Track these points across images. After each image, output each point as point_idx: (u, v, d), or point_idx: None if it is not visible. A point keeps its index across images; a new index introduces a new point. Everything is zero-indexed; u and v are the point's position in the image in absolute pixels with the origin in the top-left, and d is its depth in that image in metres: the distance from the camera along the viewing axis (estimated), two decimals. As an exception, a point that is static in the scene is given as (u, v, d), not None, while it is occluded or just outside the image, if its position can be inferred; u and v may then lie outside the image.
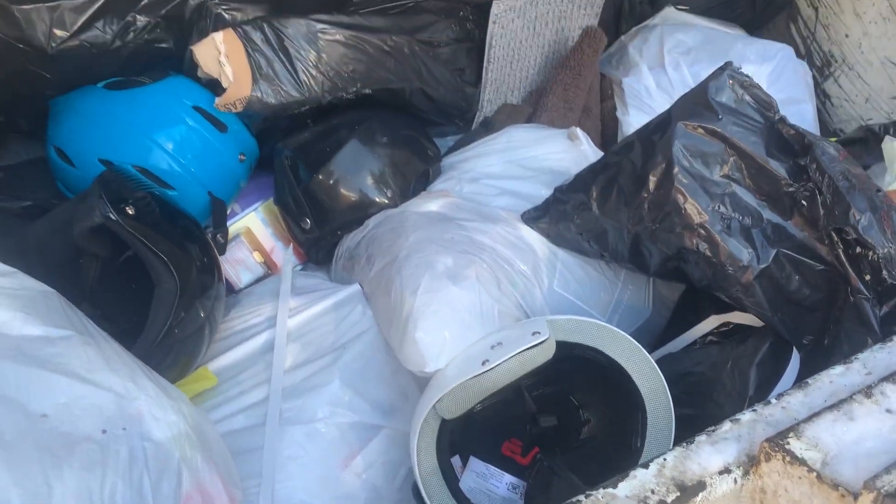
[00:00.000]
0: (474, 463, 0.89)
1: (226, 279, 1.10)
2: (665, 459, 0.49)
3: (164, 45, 1.15)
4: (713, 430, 0.52)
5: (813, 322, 0.81)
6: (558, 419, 0.93)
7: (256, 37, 1.12)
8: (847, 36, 1.51)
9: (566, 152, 1.17)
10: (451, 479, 0.83)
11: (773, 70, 1.41)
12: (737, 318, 0.91)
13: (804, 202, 0.81)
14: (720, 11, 1.56)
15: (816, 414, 0.50)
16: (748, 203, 0.82)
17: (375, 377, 0.94)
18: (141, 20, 1.11)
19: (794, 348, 0.81)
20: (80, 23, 1.08)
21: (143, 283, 0.88)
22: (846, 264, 0.77)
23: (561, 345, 0.81)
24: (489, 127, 1.36)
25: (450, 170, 1.21)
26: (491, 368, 0.79)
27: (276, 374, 0.92)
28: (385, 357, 0.96)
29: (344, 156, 1.14)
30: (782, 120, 0.86)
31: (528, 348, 0.79)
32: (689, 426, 0.78)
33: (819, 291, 0.80)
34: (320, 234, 1.17)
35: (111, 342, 0.71)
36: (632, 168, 0.89)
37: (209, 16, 1.14)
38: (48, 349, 0.64)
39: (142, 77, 1.12)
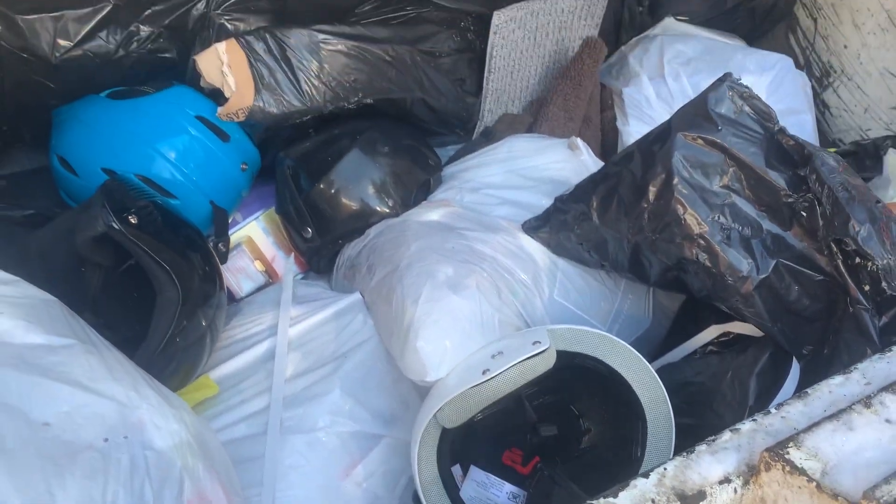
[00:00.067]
0: (475, 472, 0.89)
1: (227, 288, 1.10)
2: (665, 469, 0.49)
3: (167, 55, 1.16)
4: (713, 440, 0.52)
5: (812, 332, 0.81)
6: (559, 428, 0.93)
7: (259, 47, 1.12)
8: (846, 47, 1.51)
9: (566, 162, 1.17)
10: (451, 489, 0.83)
11: (772, 80, 1.42)
12: (737, 327, 0.92)
13: (803, 213, 0.81)
14: (720, 22, 1.57)
15: (816, 424, 0.50)
16: (748, 213, 0.83)
17: (376, 386, 0.94)
18: (144, 30, 1.12)
19: (794, 358, 0.81)
20: (83, 33, 1.09)
21: (145, 291, 0.88)
22: (845, 275, 0.77)
23: (561, 354, 0.82)
24: (490, 137, 1.37)
25: (450, 179, 1.22)
26: (492, 377, 0.79)
27: (277, 383, 0.92)
28: (386, 366, 0.96)
29: (345, 165, 1.15)
30: (782, 131, 0.86)
31: (528, 357, 0.79)
32: (689, 436, 0.78)
33: (818, 302, 0.80)
34: (321, 243, 1.17)
35: (113, 351, 0.71)
36: (632, 178, 0.89)
37: (212, 26, 1.15)
38: (50, 358, 0.64)
39: (145, 87, 1.12)
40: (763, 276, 0.81)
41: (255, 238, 1.23)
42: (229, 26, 1.16)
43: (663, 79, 1.39)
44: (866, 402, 0.52)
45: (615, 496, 0.47)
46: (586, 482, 0.84)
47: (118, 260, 0.96)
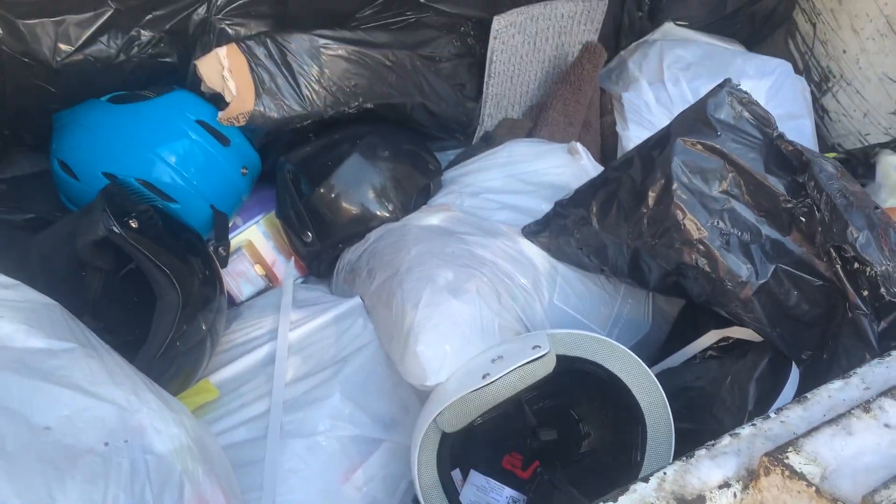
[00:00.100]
0: (475, 476, 0.89)
1: (227, 292, 1.10)
2: (665, 473, 0.49)
3: (167, 60, 1.16)
4: (713, 445, 0.52)
5: (811, 337, 0.81)
6: (558, 433, 0.93)
7: (260, 52, 1.13)
8: (845, 52, 1.52)
9: (566, 167, 1.17)
10: (451, 493, 0.83)
11: (771, 85, 1.42)
12: (736, 332, 0.92)
13: (802, 218, 0.81)
14: (719, 27, 1.58)
15: (815, 428, 0.50)
16: (747, 219, 0.83)
17: (376, 390, 0.95)
18: (145, 35, 1.13)
19: (793, 363, 0.82)
20: (84, 37, 1.09)
21: (146, 295, 0.88)
22: (844, 280, 0.78)
23: (561, 359, 0.82)
24: (490, 141, 1.37)
25: (451, 184, 1.22)
26: (491, 382, 0.79)
27: (277, 387, 0.92)
28: (386, 370, 0.96)
29: (345, 170, 1.15)
30: (781, 136, 0.86)
31: (528, 362, 0.79)
32: (689, 440, 0.78)
33: (817, 307, 0.80)
34: (322, 247, 1.18)
35: (114, 355, 0.71)
36: (631, 184, 0.89)
37: (213, 31, 1.15)
38: (51, 361, 0.65)
39: (145, 91, 1.13)
40: (762, 281, 0.82)
41: (255, 242, 1.23)
42: (230, 31, 1.16)
43: (663, 84, 1.40)
44: (865, 406, 0.52)
45: (615, 500, 0.47)
46: (586, 486, 0.84)
47: (118, 264, 0.96)
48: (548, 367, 0.80)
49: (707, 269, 0.83)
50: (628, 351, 0.82)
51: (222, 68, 1.11)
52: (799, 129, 1.43)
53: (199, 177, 1.10)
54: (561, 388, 0.89)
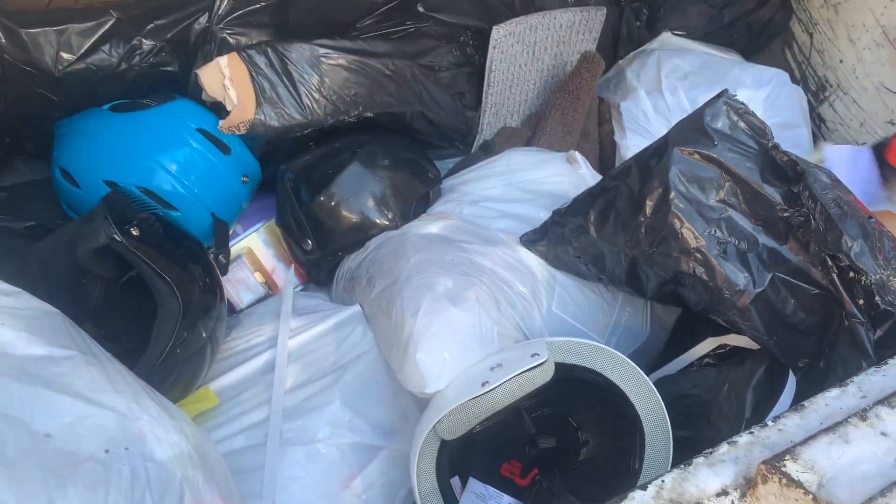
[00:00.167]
0: (473, 484, 0.89)
1: (227, 299, 1.10)
2: (663, 481, 0.49)
3: (169, 69, 1.17)
4: (710, 453, 0.52)
5: (808, 345, 0.82)
6: (557, 440, 0.93)
7: (260, 61, 1.13)
8: (841, 61, 1.53)
9: (565, 175, 1.18)
10: (450, 500, 0.83)
11: (768, 95, 1.43)
12: (733, 339, 0.92)
13: (799, 227, 0.82)
14: (717, 37, 1.59)
15: (812, 437, 0.51)
16: (744, 228, 0.83)
17: (376, 398, 0.95)
18: (147, 44, 1.14)
19: (790, 371, 0.82)
20: (86, 46, 1.10)
21: (147, 303, 0.88)
22: (840, 289, 0.78)
23: (560, 366, 0.82)
24: (489, 150, 1.37)
25: (450, 192, 1.22)
26: (490, 390, 0.79)
27: (276, 395, 0.92)
28: (385, 378, 0.96)
29: (345, 178, 1.16)
30: (776, 147, 0.87)
31: (527, 370, 0.79)
32: (686, 448, 0.79)
33: (814, 315, 0.81)
34: (321, 255, 1.18)
35: (114, 362, 0.72)
36: (629, 192, 0.90)
37: (214, 40, 1.16)
38: (52, 369, 0.65)
39: (147, 100, 1.13)
40: (759, 289, 0.82)
41: (255, 250, 1.23)
42: (231, 40, 1.17)
43: (661, 93, 1.40)
44: (862, 415, 0.52)
45: (613, 508, 0.47)
46: (584, 494, 0.84)
47: (119, 271, 0.96)
48: (546, 374, 0.81)
49: (704, 277, 0.84)
50: (626, 359, 0.83)
51: (223, 77, 1.12)
52: (796, 138, 1.44)
53: (199, 185, 1.10)
54: (559, 395, 0.89)
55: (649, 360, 1.03)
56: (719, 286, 0.83)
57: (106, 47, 1.11)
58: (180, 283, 0.87)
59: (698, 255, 0.84)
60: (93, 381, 0.66)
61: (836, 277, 0.78)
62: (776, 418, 0.55)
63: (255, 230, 1.24)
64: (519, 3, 1.37)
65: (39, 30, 1.07)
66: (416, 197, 1.19)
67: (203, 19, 1.16)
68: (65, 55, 1.09)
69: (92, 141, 1.09)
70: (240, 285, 1.20)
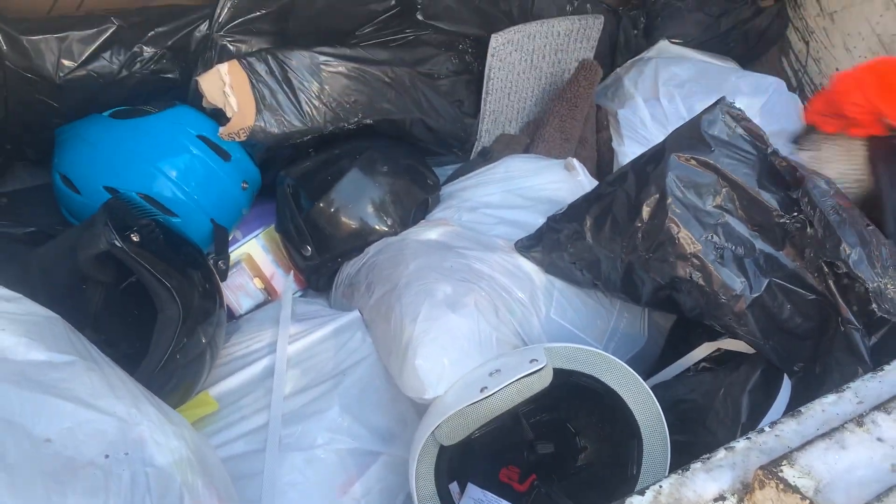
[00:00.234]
0: (472, 489, 0.89)
1: (226, 305, 1.11)
2: (661, 487, 0.50)
3: (169, 76, 1.17)
4: (708, 458, 0.52)
5: (804, 350, 0.82)
6: (555, 446, 0.93)
7: (261, 68, 1.14)
8: (838, 69, 1.54)
9: (563, 182, 1.18)
10: (449, 506, 0.83)
11: (765, 102, 1.44)
12: (728, 344, 0.92)
13: (795, 233, 0.82)
14: (714, 45, 1.60)
15: (809, 442, 0.51)
16: (741, 233, 0.84)
17: (374, 403, 0.95)
18: (147, 51, 1.14)
19: (786, 376, 0.82)
20: (87, 53, 1.11)
21: (147, 308, 0.89)
22: (836, 295, 0.78)
23: (558, 372, 0.82)
24: (487, 157, 1.38)
25: (449, 199, 1.23)
26: (489, 395, 0.79)
27: (276, 400, 0.92)
28: (384, 383, 0.96)
29: (345, 184, 1.16)
30: (775, 153, 0.88)
31: (525, 375, 0.80)
32: (683, 453, 0.79)
33: (810, 320, 0.81)
34: (321, 261, 1.18)
35: (114, 367, 0.72)
36: (626, 198, 0.90)
37: (214, 47, 1.17)
38: (52, 374, 0.65)
39: (147, 106, 1.14)
40: (756, 294, 0.82)
41: (254, 256, 1.23)
42: (231, 48, 1.18)
43: (658, 101, 1.41)
44: (858, 420, 0.53)
45: (611, 513, 0.47)
46: (582, 500, 0.84)
47: (119, 277, 0.96)
48: (545, 380, 0.81)
49: (701, 282, 0.84)
50: (624, 365, 0.83)
51: (223, 84, 1.12)
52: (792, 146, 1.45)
53: (199, 191, 1.11)
54: (558, 401, 0.90)
55: (647, 366, 1.04)
56: (716, 291, 0.83)
57: (107, 54, 1.12)
58: (180, 288, 0.88)
59: (695, 261, 0.84)
60: (93, 386, 0.66)
61: (831, 283, 0.79)
62: (773, 424, 0.55)
63: (255, 236, 1.24)
64: (517, 12, 1.38)
65: (40, 37, 1.07)
66: (416, 203, 1.20)
67: (203, 27, 1.17)
68: (66, 62, 1.10)
69: (93, 147, 1.10)
70: (239, 291, 1.20)
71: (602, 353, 0.84)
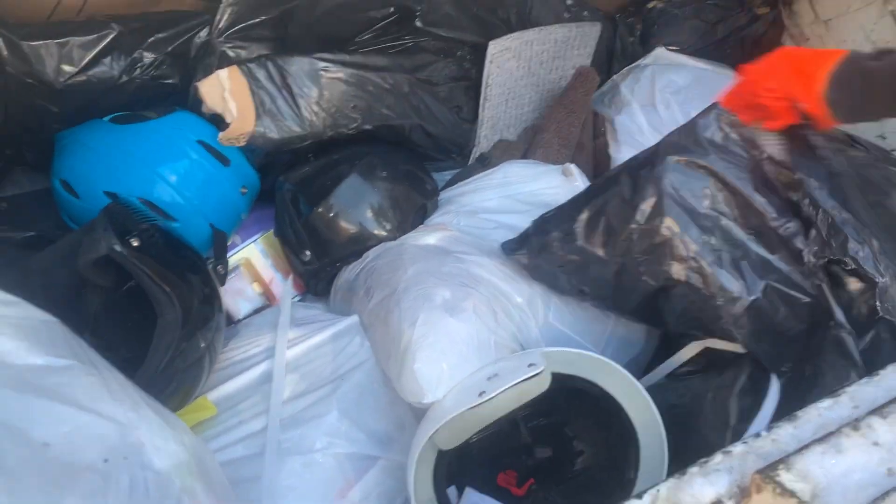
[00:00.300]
0: (470, 494, 0.89)
1: (225, 310, 1.11)
2: (658, 490, 0.50)
3: (169, 81, 1.18)
4: (705, 462, 0.52)
5: (793, 351, 0.82)
6: (553, 450, 0.93)
7: (260, 74, 1.15)
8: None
9: (561, 187, 1.19)
10: (447, 510, 0.83)
11: (762, 109, 1.45)
12: (716, 343, 0.92)
13: (789, 237, 0.82)
14: (710, 52, 1.61)
15: (806, 446, 0.51)
16: (736, 236, 0.84)
17: (373, 408, 0.95)
18: (148, 57, 1.15)
19: (775, 378, 0.82)
20: (88, 59, 1.11)
21: (146, 313, 0.89)
22: (829, 298, 0.79)
23: (556, 376, 0.82)
24: (485, 162, 1.39)
25: (447, 204, 1.23)
26: (487, 400, 0.80)
27: (274, 405, 0.93)
28: (383, 388, 0.96)
29: (344, 190, 1.17)
30: (770, 158, 0.88)
31: (524, 380, 0.80)
32: (676, 457, 0.80)
33: (802, 322, 0.81)
34: (320, 265, 1.19)
35: (113, 372, 0.72)
36: (621, 200, 0.90)
37: (214, 53, 1.17)
38: (51, 378, 0.65)
39: (147, 112, 1.14)
40: (753, 297, 0.82)
41: (253, 260, 1.24)
42: (231, 54, 1.18)
43: (654, 107, 1.42)
44: (854, 425, 0.53)
45: (609, 516, 0.48)
46: (580, 504, 0.84)
47: (119, 282, 0.97)
48: (543, 384, 0.81)
49: (699, 285, 0.84)
50: (622, 369, 0.83)
51: (223, 90, 1.13)
52: (789, 152, 1.45)
53: (199, 196, 1.11)
54: (555, 406, 0.90)
55: (644, 370, 1.04)
56: (713, 294, 0.83)
57: (107, 60, 1.12)
58: (179, 293, 0.88)
59: (693, 263, 0.84)
60: (92, 390, 0.66)
61: (825, 287, 0.79)
62: (770, 428, 0.55)
63: (254, 241, 1.24)
64: (515, 19, 1.39)
65: (41, 42, 1.08)
66: (414, 208, 1.20)
67: (203, 33, 1.17)
68: (66, 67, 1.10)
69: (93, 152, 1.10)
70: (238, 296, 1.21)
71: (599, 358, 0.85)
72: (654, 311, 0.90)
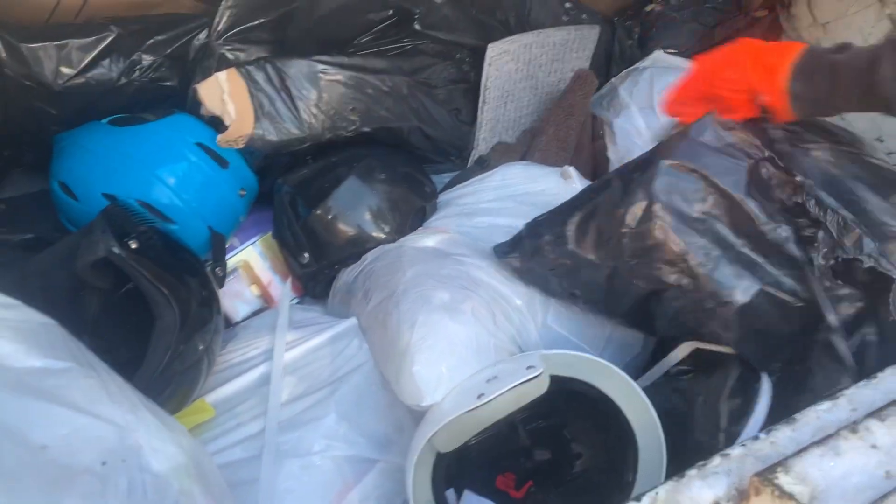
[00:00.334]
0: (469, 496, 0.89)
1: (223, 312, 1.11)
2: (657, 493, 0.50)
3: (168, 84, 1.18)
4: (703, 465, 0.52)
5: (782, 352, 0.82)
6: (552, 453, 0.93)
7: (259, 76, 1.15)
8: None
9: (559, 190, 1.19)
10: (445, 513, 0.83)
11: (759, 112, 1.45)
12: (707, 344, 0.92)
13: (781, 242, 0.82)
14: (708, 55, 1.61)
15: (804, 449, 0.51)
16: (728, 240, 0.83)
17: (371, 410, 0.95)
18: (146, 59, 1.15)
19: (766, 379, 0.82)
20: (86, 61, 1.11)
21: (144, 315, 0.89)
22: (819, 301, 0.78)
23: (554, 379, 0.82)
24: (484, 165, 1.39)
25: (446, 206, 1.23)
26: (486, 402, 0.79)
27: (272, 407, 0.93)
28: (381, 390, 0.96)
29: (342, 192, 1.17)
30: (771, 159, 0.87)
31: (522, 382, 0.80)
32: (672, 460, 0.80)
33: (793, 326, 0.81)
34: (318, 268, 1.19)
35: (112, 374, 0.72)
36: (611, 203, 0.89)
37: (213, 56, 1.18)
38: (49, 381, 0.65)
39: (146, 114, 1.14)
40: (744, 301, 0.82)
41: (251, 263, 1.24)
42: (230, 56, 1.18)
43: (653, 110, 1.42)
44: (853, 427, 0.53)
45: (608, 519, 0.48)
46: (579, 507, 0.84)
47: (117, 284, 0.97)
48: (541, 387, 0.81)
49: (690, 288, 0.84)
50: (620, 371, 0.83)
51: (222, 92, 1.13)
52: (787, 155, 1.46)
53: (197, 198, 1.11)
54: (554, 408, 0.90)
55: (641, 372, 1.04)
56: (704, 297, 0.83)
57: (106, 62, 1.12)
58: (178, 295, 0.88)
59: (683, 266, 0.84)
60: (90, 392, 0.66)
61: (815, 289, 0.79)
62: (768, 431, 0.55)
63: (252, 243, 1.24)
64: (514, 22, 1.39)
65: (40, 44, 1.08)
66: (413, 211, 1.20)
67: (202, 35, 1.17)
68: (65, 69, 1.10)
69: (91, 154, 1.10)
70: (236, 298, 1.21)
71: (598, 360, 0.85)
72: (646, 315, 0.90)
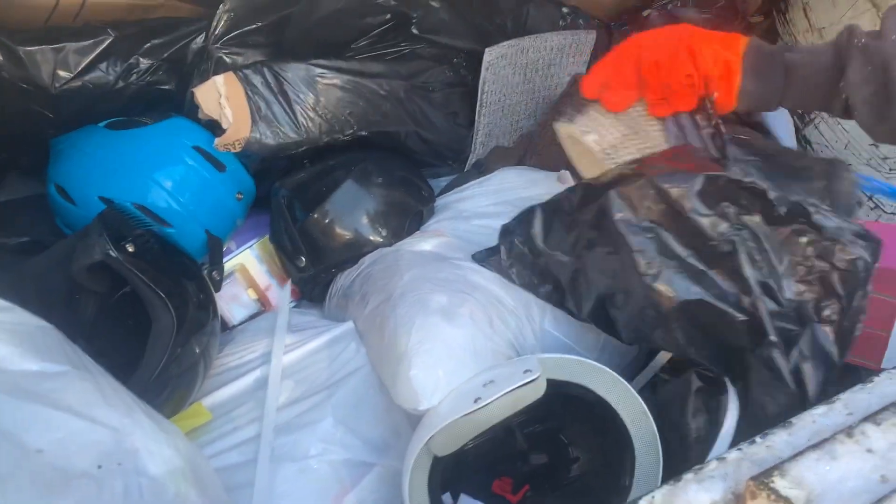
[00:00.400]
0: (465, 500, 0.89)
1: (220, 316, 1.11)
2: (653, 497, 0.50)
3: (165, 87, 1.18)
4: (700, 469, 0.53)
5: (730, 363, 0.82)
6: (548, 457, 0.93)
7: (256, 80, 1.15)
8: (826, 84, 1.56)
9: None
10: (442, 517, 0.83)
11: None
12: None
13: (725, 254, 0.80)
14: (704, 60, 1.62)
15: (800, 453, 0.51)
16: (675, 250, 0.82)
17: (368, 414, 0.95)
18: (144, 63, 1.15)
19: (732, 390, 0.82)
20: (83, 64, 1.11)
21: (140, 319, 0.89)
22: (762, 316, 0.78)
23: (551, 383, 0.83)
24: (481, 168, 1.39)
25: (443, 210, 1.23)
26: (483, 406, 0.80)
27: (269, 411, 0.92)
28: (378, 394, 0.96)
29: (340, 196, 1.17)
30: (720, 160, 0.86)
31: (519, 386, 0.80)
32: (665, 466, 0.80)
33: (738, 338, 0.80)
34: (315, 272, 1.18)
35: (108, 377, 0.72)
36: (569, 206, 0.90)
37: (210, 59, 1.17)
38: (45, 384, 0.65)
39: (143, 117, 1.14)
40: (686, 311, 0.82)
41: (248, 266, 1.24)
42: (227, 60, 1.18)
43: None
44: (848, 432, 0.53)
45: (605, 523, 0.48)
46: (576, 511, 0.84)
47: (114, 287, 0.96)
48: (538, 391, 0.81)
49: (637, 293, 0.84)
50: (616, 376, 0.83)
51: (219, 96, 1.13)
52: (783, 159, 1.46)
53: (194, 202, 1.11)
54: (551, 412, 0.90)
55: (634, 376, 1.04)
56: (647, 305, 0.83)
57: (103, 65, 1.12)
58: (174, 299, 0.88)
59: (630, 272, 0.83)
60: (86, 396, 0.66)
61: (759, 304, 0.78)
62: (765, 435, 0.56)
63: (249, 247, 1.24)
64: (511, 26, 1.40)
65: (37, 47, 1.08)
66: (410, 215, 1.20)
67: (200, 39, 1.17)
68: (62, 73, 1.10)
69: (88, 158, 1.10)
70: (233, 302, 1.20)
71: (595, 364, 0.85)
72: (608, 319, 0.90)
